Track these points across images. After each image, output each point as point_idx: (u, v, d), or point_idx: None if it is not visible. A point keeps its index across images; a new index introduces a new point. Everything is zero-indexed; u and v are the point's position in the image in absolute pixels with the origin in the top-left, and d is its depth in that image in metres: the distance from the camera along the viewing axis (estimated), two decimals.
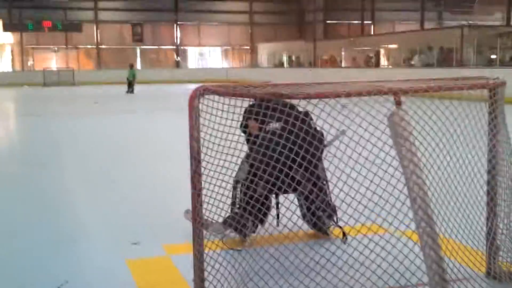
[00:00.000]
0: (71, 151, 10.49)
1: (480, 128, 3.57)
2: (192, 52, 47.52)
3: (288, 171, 3.40)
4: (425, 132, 3.27)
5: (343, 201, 3.27)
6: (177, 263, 4.37)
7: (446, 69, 22.98)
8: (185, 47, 46.83)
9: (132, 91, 27.62)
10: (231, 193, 4.49)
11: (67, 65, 41.98)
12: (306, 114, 4.11)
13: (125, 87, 28.21)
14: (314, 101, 3.14)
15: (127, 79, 28.21)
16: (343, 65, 35.40)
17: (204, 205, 3.34)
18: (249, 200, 3.90)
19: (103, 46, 44.42)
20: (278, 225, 4.63)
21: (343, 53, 36.09)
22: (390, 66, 31.17)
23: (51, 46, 43.06)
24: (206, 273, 3.32)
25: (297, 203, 4.71)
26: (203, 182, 3.33)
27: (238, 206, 4.60)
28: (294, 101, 4.18)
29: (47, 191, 7.07)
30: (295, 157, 3.27)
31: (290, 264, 3.38)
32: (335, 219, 4.73)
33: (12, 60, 43.09)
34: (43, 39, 42.17)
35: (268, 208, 4.56)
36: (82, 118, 16.63)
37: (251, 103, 4.50)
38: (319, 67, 35.75)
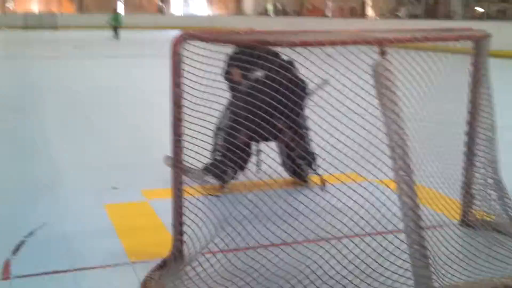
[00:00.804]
0: (50, 95, 10.37)
1: (463, 80, 3.59)
2: None
3: (270, 119, 3.40)
4: (408, 82, 3.27)
5: (323, 149, 3.28)
6: (155, 208, 4.40)
7: (432, 21, 22.84)
8: None
9: (117, 37, 27.07)
10: (211, 140, 4.50)
11: (49, 8, 41.05)
12: (290, 62, 4.08)
13: (107, 32, 27.73)
14: (299, 49, 3.11)
15: (110, 24, 27.60)
16: (329, 15, 35.05)
17: (185, 151, 3.34)
18: (230, 147, 3.91)
19: None
20: (258, 171, 4.66)
21: (329, 2, 35.67)
22: (376, 17, 30.92)
23: None
24: (185, 218, 3.35)
25: (277, 150, 4.74)
26: (184, 129, 3.32)
27: (219, 153, 4.61)
28: (278, 49, 4.15)
29: (25, 136, 7.01)
30: (277, 105, 3.26)
31: (268, 210, 3.42)
32: (314, 167, 4.77)
33: None
34: None
35: (249, 155, 4.58)
36: (62, 63, 16.38)
37: (234, 50, 4.46)
38: (305, 16, 35.36)
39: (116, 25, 27.26)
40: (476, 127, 3.75)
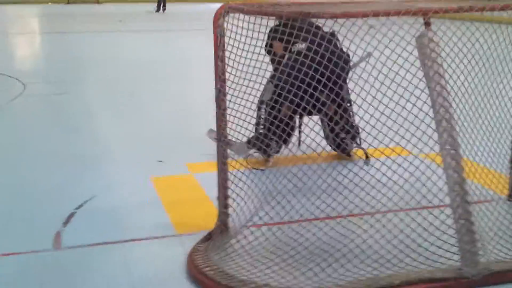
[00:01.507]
0: (94, 70, 10.52)
1: (511, 51, 3.49)
2: None
3: (313, 92, 3.38)
4: (453, 54, 3.21)
5: (367, 122, 3.26)
6: (201, 181, 4.46)
7: None
8: None
9: (160, 10, 26.61)
10: (255, 113, 4.51)
11: None
12: (332, 34, 4.03)
13: (151, 5, 27.72)
14: (341, 21, 3.08)
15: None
16: None
17: (228, 125, 3.36)
18: (273, 121, 3.91)
19: None
20: (299, 145, 4.65)
21: None
22: None
23: None
24: (229, 191, 3.38)
25: (320, 124, 4.72)
26: (227, 102, 3.33)
27: (262, 126, 4.62)
28: (320, 21, 4.10)
29: (71, 111, 7.15)
30: (320, 78, 3.24)
31: (313, 184, 3.42)
32: (358, 140, 4.74)
33: None
34: None
35: (292, 129, 4.58)
36: (106, 36, 16.56)
37: (276, 22, 4.43)
38: None
39: None
40: None
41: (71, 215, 3.85)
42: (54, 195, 4.25)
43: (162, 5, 26.53)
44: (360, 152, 4.79)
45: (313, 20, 3.39)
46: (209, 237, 3.37)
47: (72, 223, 3.74)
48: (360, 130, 4.65)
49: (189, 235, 3.47)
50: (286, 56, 4.37)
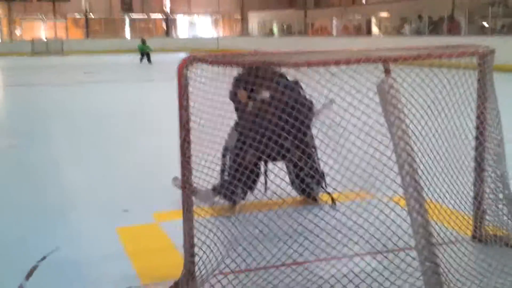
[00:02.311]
0: (60, 121, 10.45)
1: (469, 95, 3.59)
2: (182, 21, 47.07)
3: (277, 139, 3.42)
4: (413, 99, 3.29)
5: (332, 167, 3.29)
6: (166, 230, 4.42)
7: (437, 37, 22.91)
8: (175, 16, 46.35)
9: (145, 61, 27.08)
10: (220, 160, 4.52)
11: (55, 34, 41.48)
12: (296, 82, 4.11)
13: (113, 57, 27.80)
14: (303, 69, 3.14)
15: (142, 52, 27.49)
16: (334, 34, 35.19)
17: (194, 173, 3.36)
18: (239, 168, 3.93)
19: (92, 15, 43.88)
20: (266, 191, 4.67)
21: (334, 21, 35.85)
22: (381, 35, 31.03)
23: (39, 16, 42.49)
24: (195, 239, 3.35)
25: (285, 170, 4.75)
26: (192, 150, 3.34)
27: (227, 173, 4.63)
28: (284, 70, 4.18)
29: (36, 162, 7.06)
30: (284, 125, 3.28)
31: (279, 230, 3.42)
32: (323, 185, 4.78)
33: (0, 30, 42.51)
34: (31, 9, 41.61)
35: (258, 175, 4.60)
36: (71, 88, 16.51)
37: (240, 72, 4.50)
38: (310, 35, 35.54)
39: (146, 51, 27.24)
40: (484, 142, 3.75)
41: (34, 268, 3.76)
42: (16, 247, 4.16)
43: (146, 57, 27.01)
44: (325, 197, 4.82)
45: (277, 68, 3.46)
46: (174, 287, 3.32)
47: (35, 277, 3.65)
48: (325, 174, 4.69)
49: (154, 286, 3.42)
50: (250, 104, 4.42)
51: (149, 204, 5.08)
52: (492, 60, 3.71)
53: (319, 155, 4.68)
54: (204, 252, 3.35)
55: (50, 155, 7.45)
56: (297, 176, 4.71)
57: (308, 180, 4.72)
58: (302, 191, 4.86)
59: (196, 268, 3.37)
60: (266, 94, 4.23)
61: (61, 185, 5.89)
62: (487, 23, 24.07)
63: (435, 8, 26.24)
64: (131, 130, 9.40)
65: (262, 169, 4.79)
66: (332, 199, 4.69)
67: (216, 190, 4.33)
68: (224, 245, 3.37)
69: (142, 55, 27.24)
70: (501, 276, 3.30)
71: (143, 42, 27.80)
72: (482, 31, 24.16)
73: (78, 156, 7.44)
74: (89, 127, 9.69)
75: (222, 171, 4.64)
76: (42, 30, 42.41)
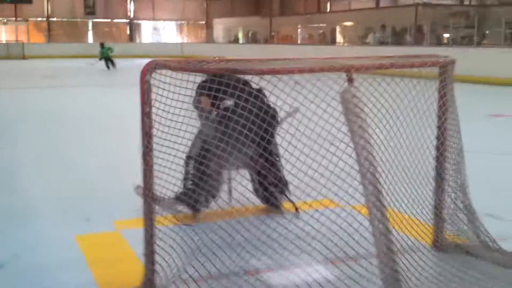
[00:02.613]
0: (20, 125, 10.25)
1: (430, 105, 3.64)
2: (146, 26, 46.78)
3: (241, 147, 3.41)
4: (376, 109, 3.32)
5: (295, 176, 3.30)
6: (127, 238, 4.36)
7: (400, 47, 23.26)
8: (139, 21, 46.04)
9: (110, 67, 25.47)
10: (183, 169, 4.48)
11: (16, 38, 40.76)
12: (259, 90, 4.10)
13: (75, 62, 27.33)
14: (267, 77, 3.14)
15: (104, 58, 25.55)
16: (299, 42, 35.43)
17: (156, 181, 3.32)
18: (202, 176, 3.91)
19: (54, 19, 43.27)
20: (230, 200, 4.64)
21: (299, 30, 36.09)
22: (345, 44, 31.36)
23: (0, 18, 41.70)
24: (156, 247, 3.32)
25: (249, 178, 4.74)
26: (154, 158, 3.30)
27: (190, 181, 4.60)
28: (248, 77, 4.18)
29: None
30: (248, 133, 3.28)
31: (241, 238, 3.41)
32: (287, 194, 4.78)
33: None
34: None
35: (220, 183, 4.57)
36: (32, 92, 16.24)
37: (204, 78, 4.48)
38: (275, 43, 35.69)
39: (108, 56, 25.50)
40: (444, 152, 3.81)
41: None
42: None
43: (111, 62, 25.62)
44: (288, 205, 4.82)
45: (241, 76, 3.45)
46: None
47: None
48: (288, 182, 4.69)
49: None
50: (214, 112, 4.41)
51: (110, 212, 5.00)
52: (452, 70, 3.78)
53: (283, 164, 4.69)
54: (164, 259, 3.32)
55: (10, 159, 7.30)
56: (260, 184, 4.70)
57: (271, 189, 4.71)
58: (265, 200, 4.85)
59: (156, 275, 3.33)
60: (229, 102, 4.22)
61: (21, 190, 5.77)
62: (448, 33, 24.55)
63: (399, 18, 26.64)
64: (93, 135, 9.28)
65: (225, 177, 4.77)
66: (296, 208, 4.70)
67: (178, 198, 4.29)
68: (185, 253, 3.34)
69: (106, 60, 25.47)
70: (461, 284, 3.34)
71: (102, 46, 25.83)
72: (443, 41, 24.64)
73: (38, 161, 7.30)
74: (50, 132, 9.54)
75: (185, 179, 4.60)
76: (2, 33, 41.62)
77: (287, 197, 4.81)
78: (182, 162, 4.28)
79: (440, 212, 3.86)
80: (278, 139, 4.51)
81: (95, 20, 44.31)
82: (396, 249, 2.98)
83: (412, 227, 3.68)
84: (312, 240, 3.36)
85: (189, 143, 4.43)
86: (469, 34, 23.30)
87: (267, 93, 3.96)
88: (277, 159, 4.71)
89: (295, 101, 3.32)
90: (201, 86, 4.33)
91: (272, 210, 4.88)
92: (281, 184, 4.72)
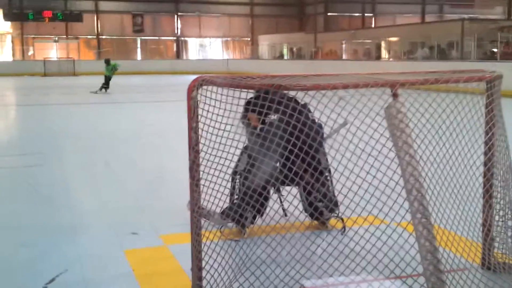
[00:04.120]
0: (70, 141, 10.50)
1: (477, 120, 3.59)
2: (193, 43, 47.41)
3: (286, 162, 3.43)
4: (421, 124, 3.29)
5: (340, 192, 3.29)
6: (175, 253, 4.40)
7: (446, 62, 22.95)
8: (186, 38, 46.73)
9: (103, 88, 21.69)
10: (230, 184, 4.52)
11: (67, 55, 41.85)
12: (304, 106, 4.12)
13: (124, 78, 27.45)
14: (312, 92, 3.16)
15: (107, 76, 22.00)
16: (343, 57, 35.32)
17: (203, 196, 3.36)
18: (247, 191, 3.93)
19: (104, 36, 44.32)
20: (286, 215, 4.66)
21: (343, 45, 36.00)
22: (390, 59, 31.11)
23: (52, 36, 42.94)
24: (203, 263, 3.35)
25: (299, 196, 4.74)
26: (201, 173, 3.35)
27: (236, 197, 4.63)
28: (292, 93, 4.20)
29: (47, 182, 7.09)
30: (292, 148, 3.29)
31: (287, 254, 3.41)
32: (337, 212, 4.75)
33: (13, 49, 42.97)
34: (43, 29, 42.08)
35: (266, 199, 4.59)
36: (82, 108, 16.63)
37: (253, 95, 4.52)
38: (320, 59, 35.68)
39: (109, 75, 21.97)
40: (492, 168, 3.74)
41: None
42: (24, 270, 4.16)
43: (104, 81, 21.87)
44: (334, 222, 4.80)
45: (286, 92, 3.47)
46: None
47: None
48: (337, 199, 4.66)
49: None
50: (259, 127, 4.44)
51: (158, 227, 5.07)
52: (499, 85, 3.72)
53: (332, 179, 4.68)
54: (212, 276, 3.34)
55: (60, 175, 7.47)
56: (311, 204, 4.70)
57: (318, 204, 4.70)
58: (311, 215, 4.84)
59: None
60: (274, 117, 4.25)
61: (70, 206, 5.90)
62: (496, 48, 24.08)
63: (445, 33, 26.31)
64: (141, 151, 9.42)
65: (271, 193, 4.79)
66: (343, 225, 4.66)
67: (225, 213, 4.32)
68: (232, 269, 3.36)
69: (107, 80, 21.75)
70: None
71: (108, 63, 22.17)
72: (492, 56, 24.17)
73: (88, 177, 7.46)
74: (100, 148, 9.73)
75: (231, 194, 4.64)
76: (54, 50, 42.79)
77: (335, 213, 4.78)
78: (228, 177, 4.32)
79: (488, 230, 3.79)
80: (327, 155, 4.51)
81: (143, 37, 45.20)
82: (444, 268, 2.93)
83: (459, 245, 3.62)
84: (356, 256, 3.34)
85: (236, 158, 4.48)
86: None
87: (311, 108, 3.97)
88: (326, 175, 4.70)
89: (339, 116, 3.33)
90: (248, 102, 4.38)
91: (319, 226, 4.87)
92: (332, 204, 4.69)
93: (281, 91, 3.14)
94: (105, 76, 21.97)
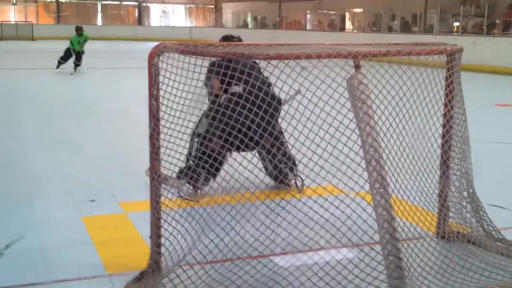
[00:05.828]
0: (28, 107, 10.30)
1: (436, 93, 3.64)
2: (155, 10, 46.65)
3: (247, 131, 3.43)
4: (382, 96, 3.32)
5: (300, 161, 3.31)
6: (134, 220, 4.40)
7: (409, 34, 23.13)
8: (148, 4, 45.93)
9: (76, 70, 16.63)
10: (188, 144, 4.56)
11: (25, 18, 40.75)
12: (267, 77, 4.11)
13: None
14: (274, 62, 3.15)
15: (74, 50, 16.66)
16: (308, 28, 35.26)
17: (162, 163, 3.35)
18: (202, 156, 3.98)
19: (63, 0, 43.23)
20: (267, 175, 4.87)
21: (308, 15, 35.90)
22: (354, 31, 31.19)
23: None
24: (162, 230, 3.35)
25: (258, 157, 4.88)
26: (161, 140, 3.33)
27: (192, 159, 4.70)
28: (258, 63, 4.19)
29: (2, 148, 6.95)
30: (255, 118, 3.30)
31: (246, 222, 3.43)
32: (295, 171, 4.90)
33: None
34: None
35: (221, 164, 4.60)
36: (41, 74, 16.26)
37: (216, 60, 4.48)
38: (284, 29, 35.53)
39: (79, 50, 16.70)
40: (450, 140, 3.81)
41: None
42: None
43: (75, 58, 16.62)
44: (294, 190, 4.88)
45: (250, 61, 3.46)
46: (140, 277, 3.31)
47: None
48: (296, 160, 4.79)
49: (120, 275, 3.40)
50: (223, 96, 4.44)
51: (117, 194, 5.04)
52: (460, 58, 3.77)
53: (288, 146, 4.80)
54: (171, 243, 3.35)
55: (17, 140, 7.34)
56: (270, 162, 4.83)
57: (280, 166, 4.84)
58: (275, 177, 4.98)
59: (163, 259, 3.37)
60: (239, 88, 4.25)
61: (27, 172, 5.81)
62: (458, 22, 24.36)
63: (408, 5, 26.46)
64: (100, 117, 9.31)
65: (228, 159, 4.82)
66: (302, 183, 4.91)
67: (182, 173, 4.41)
68: (191, 237, 3.37)
69: (67, 55, 16.79)
70: (463, 272, 3.36)
71: (80, 33, 16.90)
72: (454, 30, 24.47)
73: (46, 143, 7.34)
74: (58, 114, 9.57)
75: (189, 153, 4.71)
76: (12, 13, 41.57)
77: (295, 174, 4.92)
78: (187, 139, 4.30)
79: (444, 201, 3.87)
80: (283, 125, 4.53)
81: (104, 2, 44.26)
82: (400, 236, 2.99)
83: (416, 214, 3.69)
84: (315, 225, 3.38)
85: (196, 120, 4.47)
86: (480, 23, 23.11)
87: (273, 78, 3.96)
88: (284, 141, 4.82)
89: (301, 87, 3.33)
90: (213, 64, 4.37)
91: (281, 187, 4.97)
92: (290, 162, 4.92)
93: (244, 59, 3.13)
94: (77, 52, 16.58)
